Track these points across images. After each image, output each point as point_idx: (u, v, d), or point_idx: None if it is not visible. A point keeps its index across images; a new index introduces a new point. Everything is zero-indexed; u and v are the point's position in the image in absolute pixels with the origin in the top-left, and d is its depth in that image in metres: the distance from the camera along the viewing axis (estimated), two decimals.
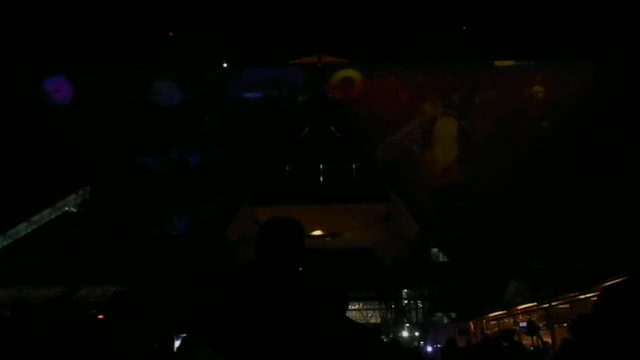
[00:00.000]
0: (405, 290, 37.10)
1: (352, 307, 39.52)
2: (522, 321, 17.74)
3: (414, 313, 36.15)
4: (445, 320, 31.91)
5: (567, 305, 16.80)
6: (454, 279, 29.59)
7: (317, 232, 31.37)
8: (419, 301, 35.22)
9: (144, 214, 29.17)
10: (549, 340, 15.38)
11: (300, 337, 2.25)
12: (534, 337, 10.89)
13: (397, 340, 12.74)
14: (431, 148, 30.57)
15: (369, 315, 39.95)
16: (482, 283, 26.55)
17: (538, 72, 30.58)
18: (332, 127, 31.04)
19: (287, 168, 30.68)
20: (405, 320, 36.62)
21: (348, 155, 30.58)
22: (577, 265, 22.37)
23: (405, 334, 34.48)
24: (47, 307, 24.40)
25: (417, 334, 33.65)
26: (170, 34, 32.20)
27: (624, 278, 2.40)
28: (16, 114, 29.34)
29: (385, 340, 19.87)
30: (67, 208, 32.71)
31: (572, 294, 15.61)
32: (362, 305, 40.20)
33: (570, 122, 28.30)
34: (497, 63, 30.53)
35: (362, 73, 30.69)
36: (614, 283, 2.54)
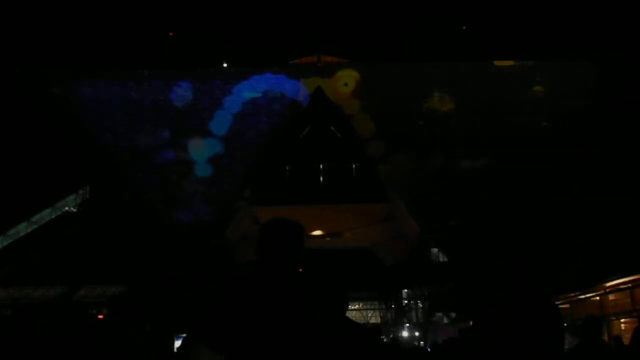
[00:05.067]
0: (405, 290, 37.10)
1: (352, 307, 39.53)
2: None
3: (414, 313, 36.14)
4: (445, 320, 31.92)
5: (567, 305, 16.79)
6: (454, 279, 29.58)
7: (317, 232, 31.31)
8: (419, 301, 35.21)
9: (144, 214, 29.16)
10: None
11: (300, 337, 2.25)
12: None
13: (397, 341, 12.77)
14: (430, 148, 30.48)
15: (369, 315, 39.99)
16: (482, 283, 26.53)
17: (538, 72, 30.53)
18: (332, 127, 31.00)
19: (287, 168, 30.65)
20: (405, 320, 36.62)
21: (349, 155, 30.53)
22: (577, 265, 22.37)
23: (405, 334, 34.52)
24: (47, 307, 24.42)
25: (417, 334, 33.67)
26: (170, 34, 32.15)
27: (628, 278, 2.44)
28: (16, 114, 29.34)
29: (385, 340, 19.87)
30: (67, 208, 32.70)
31: (572, 294, 15.60)
32: (362, 305, 40.22)
33: (571, 123, 28.28)
34: (497, 63, 30.47)
35: (362, 73, 30.61)
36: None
